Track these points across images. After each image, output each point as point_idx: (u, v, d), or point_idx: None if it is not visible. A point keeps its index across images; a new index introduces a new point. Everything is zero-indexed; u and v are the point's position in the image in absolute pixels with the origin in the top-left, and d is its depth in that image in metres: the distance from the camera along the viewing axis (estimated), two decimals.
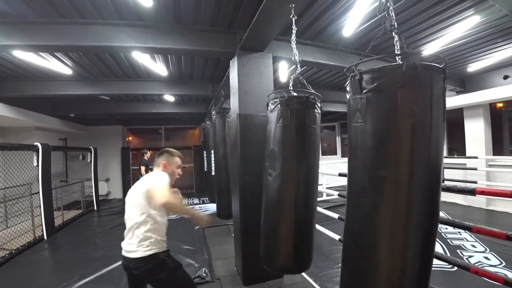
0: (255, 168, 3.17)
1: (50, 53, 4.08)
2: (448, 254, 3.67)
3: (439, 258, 1.90)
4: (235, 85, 3.34)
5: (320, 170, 6.05)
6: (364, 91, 1.25)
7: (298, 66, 2.43)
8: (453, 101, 6.59)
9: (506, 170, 5.95)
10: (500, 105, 6.59)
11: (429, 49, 4.37)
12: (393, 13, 1.44)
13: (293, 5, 2.38)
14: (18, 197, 5.15)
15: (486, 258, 3.56)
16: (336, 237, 3.61)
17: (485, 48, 4.64)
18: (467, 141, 6.77)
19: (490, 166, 6.37)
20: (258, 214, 2.26)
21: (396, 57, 1.48)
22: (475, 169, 6.08)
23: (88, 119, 9.09)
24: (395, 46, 1.51)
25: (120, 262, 3.82)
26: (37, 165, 5.26)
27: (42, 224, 5.27)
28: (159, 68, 4.86)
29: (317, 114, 2.14)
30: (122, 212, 7.87)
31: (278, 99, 2.11)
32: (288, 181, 2.06)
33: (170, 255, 1.91)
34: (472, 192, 1.74)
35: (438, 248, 3.95)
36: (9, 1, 2.78)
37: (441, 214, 2.74)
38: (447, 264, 2.56)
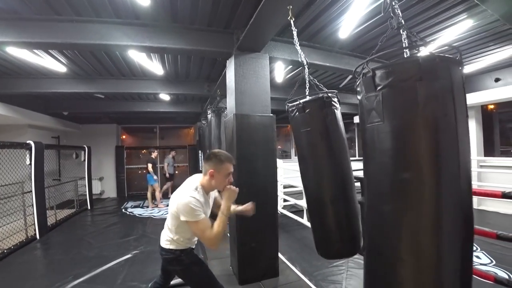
0: (251, 168, 3.19)
1: (44, 51, 4.03)
2: None
3: None
4: (231, 85, 3.35)
5: None
6: (379, 87, 1.16)
7: (306, 68, 2.43)
8: None
9: (497, 171, 6.07)
10: (492, 107, 6.73)
11: (422, 52, 4.42)
12: (399, 11, 1.40)
13: (291, 6, 2.40)
14: (10, 195, 5.08)
15: (477, 257, 3.63)
16: None
17: (477, 52, 4.72)
18: None
19: (481, 167, 6.49)
20: (255, 214, 2.27)
21: (405, 51, 1.44)
22: None
23: (82, 117, 8.98)
24: (404, 44, 1.47)
25: (114, 262, 3.80)
26: (30, 164, 5.19)
27: (34, 223, 5.20)
28: (155, 67, 4.84)
29: (335, 109, 2.11)
30: (116, 211, 7.80)
31: (295, 107, 2.12)
32: (322, 181, 2.07)
33: (189, 253, 2.00)
34: None
35: None
36: None
37: None
38: None
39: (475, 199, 6.32)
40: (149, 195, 7.78)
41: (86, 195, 8.00)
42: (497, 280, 1.67)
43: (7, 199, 5.05)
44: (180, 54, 4.40)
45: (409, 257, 1.07)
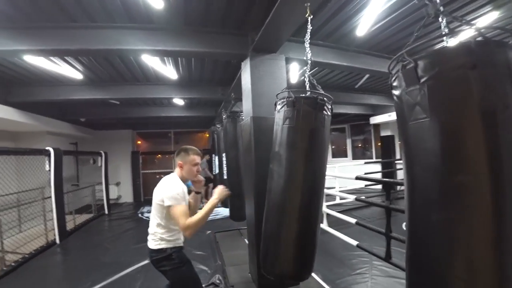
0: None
1: (61, 58, 4.07)
2: None
3: None
4: (247, 87, 3.27)
5: (332, 173, 5.95)
6: (423, 79, 1.02)
7: (308, 65, 2.34)
8: None
9: None
10: None
11: (465, 33, 4.19)
12: None
13: (309, 4, 2.30)
14: (31, 201, 5.18)
15: None
16: (353, 242, 3.50)
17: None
18: None
19: None
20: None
21: (445, 38, 1.28)
22: None
23: (98, 123, 9.15)
24: (444, 32, 1.33)
25: (131, 268, 3.78)
26: (49, 170, 5.28)
27: (54, 228, 5.28)
28: (169, 71, 4.83)
29: (326, 116, 2.04)
30: (132, 216, 7.87)
31: (285, 99, 2.03)
32: (292, 185, 1.98)
33: (179, 252, 2.03)
34: None
35: None
36: (19, 6, 2.77)
37: None
38: None
39: None
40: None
41: (103, 200, 8.11)
42: None
43: (29, 205, 5.15)
44: (193, 57, 4.36)
45: (464, 275, 0.93)
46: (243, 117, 3.68)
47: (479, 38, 0.98)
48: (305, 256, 2.00)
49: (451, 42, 1.25)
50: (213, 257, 4.07)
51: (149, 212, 7.84)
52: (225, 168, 5.04)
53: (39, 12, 2.89)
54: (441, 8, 1.22)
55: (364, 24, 3.41)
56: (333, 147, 11.46)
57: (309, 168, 1.97)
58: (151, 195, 2.06)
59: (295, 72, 5.14)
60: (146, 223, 6.60)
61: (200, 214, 1.93)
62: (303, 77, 2.43)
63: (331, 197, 6.44)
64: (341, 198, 7.12)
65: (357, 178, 3.50)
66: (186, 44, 3.35)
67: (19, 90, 5.24)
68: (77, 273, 3.81)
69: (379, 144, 9.95)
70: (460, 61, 0.96)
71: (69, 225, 5.93)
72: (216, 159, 5.64)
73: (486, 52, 0.95)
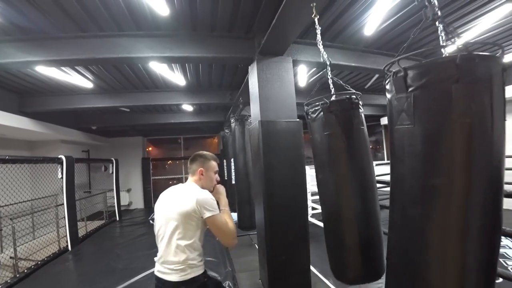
0: (279, 176, 3.03)
1: (71, 67, 4.16)
2: None
3: None
4: (255, 91, 3.24)
5: None
6: (411, 89, 1.10)
7: (328, 66, 2.28)
8: None
9: None
10: None
11: (457, 42, 4.10)
12: (435, 0, 1.27)
13: (314, 4, 2.26)
14: (44, 208, 5.26)
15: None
16: None
17: None
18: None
19: None
20: (284, 225, 2.11)
21: (442, 49, 1.31)
22: None
23: (109, 130, 9.31)
24: (440, 37, 1.33)
25: (142, 275, 3.75)
26: (62, 177, 5.36)
27: (66, 235, 5.34)
28: (177, 77, 4.86)
29: (362, 113, 1.97)
30: (143, 222, 7.89)
31: (319, 107, 1.94)
32: (343, 191, 1.91)
33: (210, 276, 1.73)
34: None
35: None
36: (31, 18, 2.84)
37: None
38: None
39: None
40: None
41: (114, 206, 8.19)
42: None
43: (42, 212, 5.24)
44: (201, 63, 4.38)
45: (436, 263, 1.07)
46: (251, 121, 3.65)
47: (464, 53, 1.02)
48: (373, 258, 1.90)
49: (447, 48, 1.31)
50: (223, 264, 4.02)
51: None
52: (233, 173, 5.01)
53: (50, 23, 2.95)
54: (439, 13, 1.24)
55: (372, 22, 3.35)
56: None
57: (357, 171, 1.88)
58: None
59: (303, 75, 5.09)
60: None
61: (229, 218, 1.69)
62: (312, 79, 2.37)
63: None
64: None
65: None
66: (193, 50, 3.36)
67: (33, 100, 5.37)
68: (88, 280, 3.82)
69: None
70: (445, 75, 1.03)
71: (81, 232, 5.99)
72: (231, 164, 5.62)
73: (470, 67, 1.01)
